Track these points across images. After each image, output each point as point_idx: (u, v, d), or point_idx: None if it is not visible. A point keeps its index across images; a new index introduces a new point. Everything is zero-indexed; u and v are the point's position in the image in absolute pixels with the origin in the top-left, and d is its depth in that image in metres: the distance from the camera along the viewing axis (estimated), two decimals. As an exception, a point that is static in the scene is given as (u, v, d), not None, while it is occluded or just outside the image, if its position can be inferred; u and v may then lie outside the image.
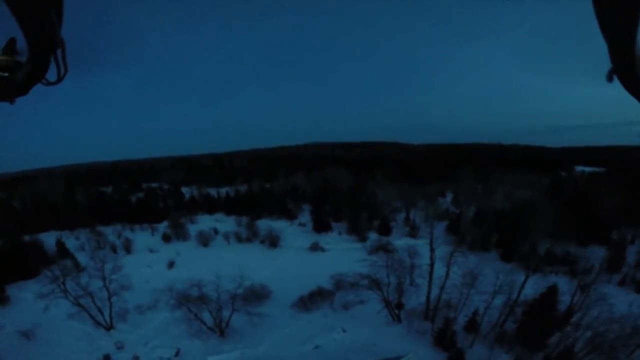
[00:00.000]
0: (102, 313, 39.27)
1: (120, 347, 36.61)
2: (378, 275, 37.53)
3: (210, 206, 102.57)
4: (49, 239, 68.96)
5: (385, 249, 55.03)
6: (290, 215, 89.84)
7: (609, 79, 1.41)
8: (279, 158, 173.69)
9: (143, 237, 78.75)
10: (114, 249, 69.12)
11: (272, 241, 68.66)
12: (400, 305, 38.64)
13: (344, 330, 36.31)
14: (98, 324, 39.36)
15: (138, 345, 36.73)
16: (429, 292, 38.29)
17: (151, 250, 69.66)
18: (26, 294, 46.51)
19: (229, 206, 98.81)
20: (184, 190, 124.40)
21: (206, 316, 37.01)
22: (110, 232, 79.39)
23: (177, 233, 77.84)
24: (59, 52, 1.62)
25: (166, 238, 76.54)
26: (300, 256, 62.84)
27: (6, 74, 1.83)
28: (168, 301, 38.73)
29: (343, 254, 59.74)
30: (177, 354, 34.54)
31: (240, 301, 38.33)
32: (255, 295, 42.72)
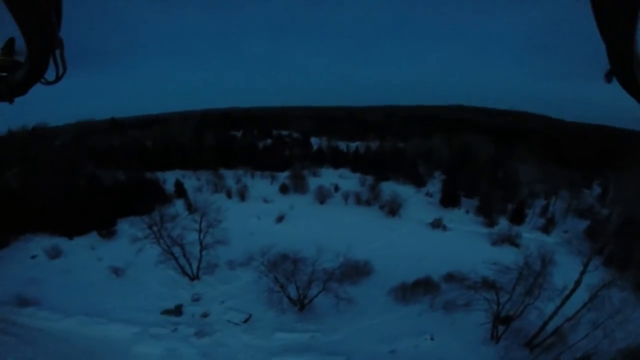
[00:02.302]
0: (190, 264, 38.85)
1: (196, 299, 35.96)
2: (501, 281, 29.99)
3: (337, 160, 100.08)
4: (171, 177, 75.32)
5: (513, 242, 52.42)
6: (419, 182, 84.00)
7: (607, 79, 1.45)
8: (416, 117, 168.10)
9: (261, 185, 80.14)
10: (229, 194, 71.34)
11: (393, 208, 63.05)
12: (507, 321, 30.62)
13: (431, 339, 31.10)
14: (185, 272, 38.84)
15: (214, 302, 35.50)
16: (550, 318, 29.55)
17: (265, 200, 69.51)
18: (132, 231, 49.67)
19: (356, 162, 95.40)
20: (314, 141, 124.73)
21: (292, 288, 33.55)
22: (231, 176, 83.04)
23: (296, 185, 76.64)
24: (57, 51, 1.68)
25: (284, 189, 75.93)
26: (418, 231, 57.64)
27: (5, 74, 1.91)
28: (259, 265, 35.47)
29: (465, 238, 55.82)
30: (246, 321, 32.60)
31: (335, 281, 33.76)
32: (355, 271, 37.91)
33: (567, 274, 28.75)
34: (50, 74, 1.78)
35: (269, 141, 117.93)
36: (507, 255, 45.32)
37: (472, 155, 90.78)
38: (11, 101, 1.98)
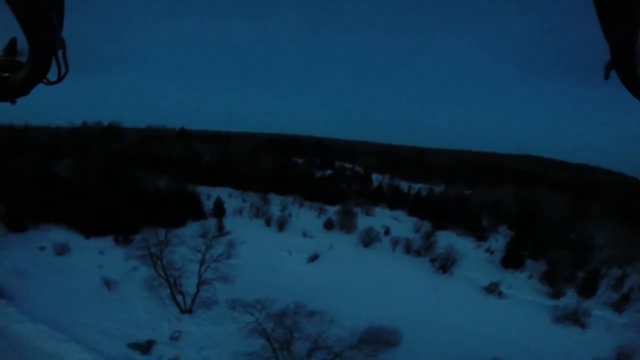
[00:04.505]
0: (183, 296, 34.31)
1: (174, 338, 30.63)
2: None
3: (395, 201, 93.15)
4: (220, 193, 73.36)
5: (578, 319, 44.16)
6: (481, 235, 74.95)
7: (606, 76, 1.43)
8: (486, 164, 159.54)
9: (307, 217, 75.13)
10: (268, 222, 66.85)
11: (445, 264, 54.87)
12: None
13: None
14: (176, 302, 33.99)
15: (192, 347, 29.88)
16: None
17: (305, 234, 63.92)
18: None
19: (416, 206, 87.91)
20: (375, 177, 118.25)
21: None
22: (278, 202, 78.94)
23: (344, 222, 70.30)
24: (59, 52, 1.69)
25: (329, 225, 69.92)
26: (468, 295, 49.14)
27: (7, 74, 1.91)
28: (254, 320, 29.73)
29: (523, 310, 46.85)
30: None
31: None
32: (377, 341, 29.82)
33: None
34: (52, 75, 1.75)
35: (328, 172, 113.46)
36: (570, 338, 39.94)
37: (543, 211, 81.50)
38: (13, 101, 1.94)
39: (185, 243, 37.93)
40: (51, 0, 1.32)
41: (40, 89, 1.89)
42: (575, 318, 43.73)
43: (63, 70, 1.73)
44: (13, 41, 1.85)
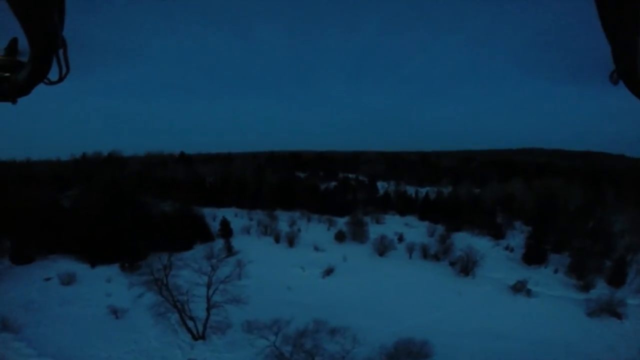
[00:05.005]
0: (194, 321, 32.35)
1: None
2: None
3: (404, 206, 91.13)
4: (226, 214, 71.52)
5: (614, 311, 41.59)
6: (497, 233, 72.72)
7: (614, 81, 1.49)
8: (491, 162, 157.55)
9: (316, 231, 73.14)
10: (277, 238, 64.97)
11: (466, 266, 52.75)
12: None
13: None
14: (188, 329, 32.08)
15: None
16: None
17: (316, 248, 61.97)
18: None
19: (426, 210, 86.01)
20: (380, 185, 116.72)
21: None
22: (286, 218, 77.17)
23: (355, 232, 68.49)
24: (60, 51, 1.70)
25: (340, 237, 67.97)
26: (495, 297, 46.63)
27: (7, 74, 1.92)
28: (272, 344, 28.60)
29: (555, 307, 44.13)
30: None
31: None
32: (407, 355, 28.10)
33: None
34: (53, 75, 1.74)
35: (333, 184, 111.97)
36: (609, 330, 38.12)
37: (558, 202, 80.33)
38: (14, 101, 1.96)
39: (189, 266, 36.23)
40: (52, 0, 1.30)
41: (41, 88, 1.83)
42: (611, 309, 41.55)
43: (64, 70, 1.69)
44: (14, 41, 1.80)
